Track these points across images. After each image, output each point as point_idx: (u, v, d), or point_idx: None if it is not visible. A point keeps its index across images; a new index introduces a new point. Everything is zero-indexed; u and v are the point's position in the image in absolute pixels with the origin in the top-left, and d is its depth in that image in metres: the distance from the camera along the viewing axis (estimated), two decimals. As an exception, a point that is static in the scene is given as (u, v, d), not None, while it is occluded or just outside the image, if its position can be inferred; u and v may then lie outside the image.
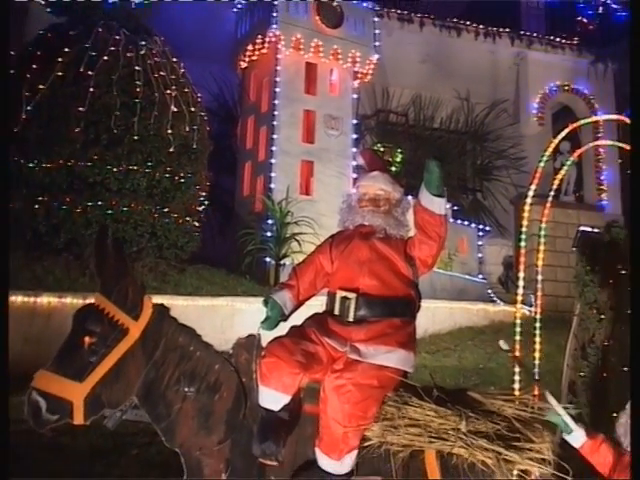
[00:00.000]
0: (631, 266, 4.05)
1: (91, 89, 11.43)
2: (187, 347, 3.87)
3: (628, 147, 4.46)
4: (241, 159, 15.75)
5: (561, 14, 19.61)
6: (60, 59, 11.62)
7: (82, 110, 11.34)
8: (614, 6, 19.39)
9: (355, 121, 15.63)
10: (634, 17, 4.65)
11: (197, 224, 12.79)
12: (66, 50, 11.72)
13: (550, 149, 4.89)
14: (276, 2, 14.66)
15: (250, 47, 15.41)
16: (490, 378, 9.99)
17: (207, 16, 15.85)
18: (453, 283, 15.04)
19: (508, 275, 16.69)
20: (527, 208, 4.69)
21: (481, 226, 16.94)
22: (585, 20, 19.87)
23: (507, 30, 18.80)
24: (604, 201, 18.43)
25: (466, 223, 16.40)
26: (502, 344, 4.23)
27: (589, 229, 7.17)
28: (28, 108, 11.36)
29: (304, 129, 14.87)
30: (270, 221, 13.79)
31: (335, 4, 15.32)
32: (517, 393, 4.11)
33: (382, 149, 16.32)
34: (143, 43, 12.35)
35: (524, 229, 4.75)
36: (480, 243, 16.52)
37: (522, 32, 19.01)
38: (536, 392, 4.14)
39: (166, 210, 12.01)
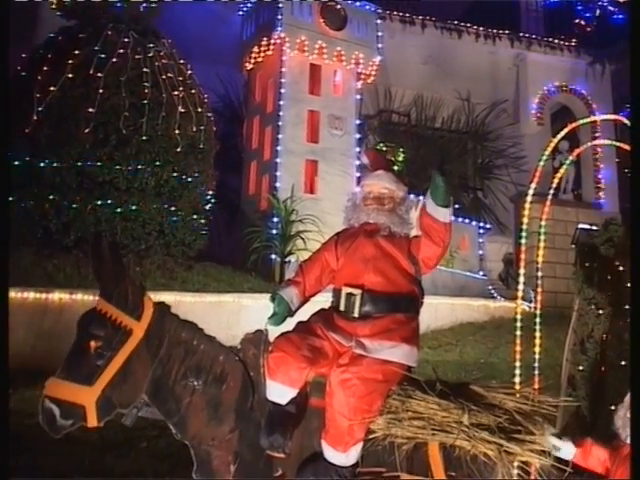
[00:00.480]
0: (631, 263, 4.11)
1: (100, 90, 11.47)
2: (191, 341, 3.92)
3: (626, 146, 4.49)
4: (247, 158, 15.82)
5: (560, 16, 19.58)
6: (70, 61, 11.66)
7: (91, 111, 11.38)
8: (611, 8, 19.31)
9: (358, 121, 15.66)
10: (633, 18, 4.70)
11: (204, 222, 12.82)
12: (76, 52, 11.76)
13: (549, 148, 4.76)
14: (281, 5, 14.71)
15: (255, 49, 15.47)
16: (491, 372, 9.93)
17: (213, 19, 15.89)
18: (454, 280, 15.04)
19: (508, 272, 16.72)
20: (527, 206, 4.60)
21: (482, 224, 16.92)
22: (583, 22, 19.77)
23: (507, 32, 18.81)
24: (602, 199, 18.46)
25: (467, 221, 16.39)
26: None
27: (587, 226, 7.01)
28: (39, 109, 11.39)
29: (308, 129, 14.94)
30: (275, 219, 13.87)
31: (339, 7, 15.38)
32: (518, 387, 4.10)
33: (385, 148, 16.33)
34: (151, 45, 12.39)
35: (524, 226, 4.62)
36: (481, 240, 16.51)
37: (521, 34, 19.02)
38: (536, 386, 4.16)
39: (173, 208, 12.06)
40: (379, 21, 16.17)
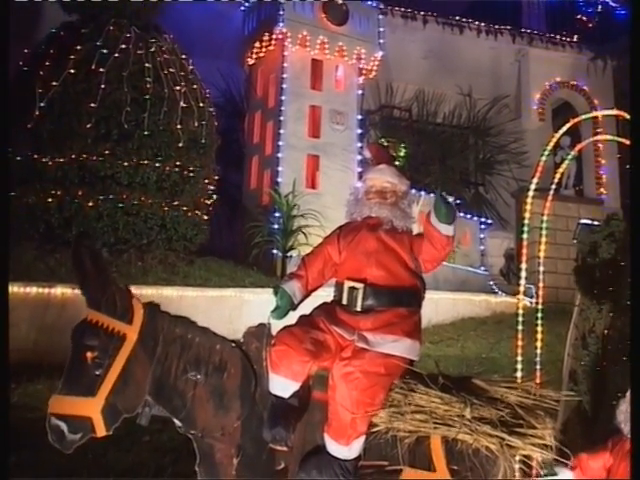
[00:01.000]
0: (631, 258, 4.13)
1: (102, 85, 11.45)
2: (185, 336, 3.90)
3: (627, 142, 4.50)
4: (248, 153, 15.81)
5: (561, 12, 19.64)
6: (72, 56, 11.63)
7: (93, 106, 11.37)
8: (613, 4, 19.38)
9: (360, 116, 15.66)
10: (634, 13, 4.72)
11: (205, 217, 12.80)
12: (78, 48, 11.73)
13: (551, 144, 4.84)
14: (283, 0, 14.72)
15: (257, 44, 15.48)
16: (492, 367, 9.76)
17: (215, 14, 15.90)
18: (456, 275, 15.00)
19: (509, 267, 16.72)
20: (529, 201, 4.65)
21: (483, 219, 16.90)
22: (585, 18, 19.86)
23: (508, 27, 18.85)
24: (603, 195, 18.50)
25: (468, 216, 16.35)
26: None
27: (589, 222, 6.97)
28: (41, 104, 11.39)
29: (310, 124, 14.95)
30: (277, 214, 13.87)
31: (340, 2, 15.37)
32: (519, 381, 4.12)
33: (386, 143, 16.24)
34: (153, 40, 12.37)
35: (526, 222, 4.68)
36: (482, 236, 16.47)
37: (523, 29, 19.06)
38: (538, 380, 4.20)
39: (175, 203, 12.05)
40: (381, 16, 16.17)
